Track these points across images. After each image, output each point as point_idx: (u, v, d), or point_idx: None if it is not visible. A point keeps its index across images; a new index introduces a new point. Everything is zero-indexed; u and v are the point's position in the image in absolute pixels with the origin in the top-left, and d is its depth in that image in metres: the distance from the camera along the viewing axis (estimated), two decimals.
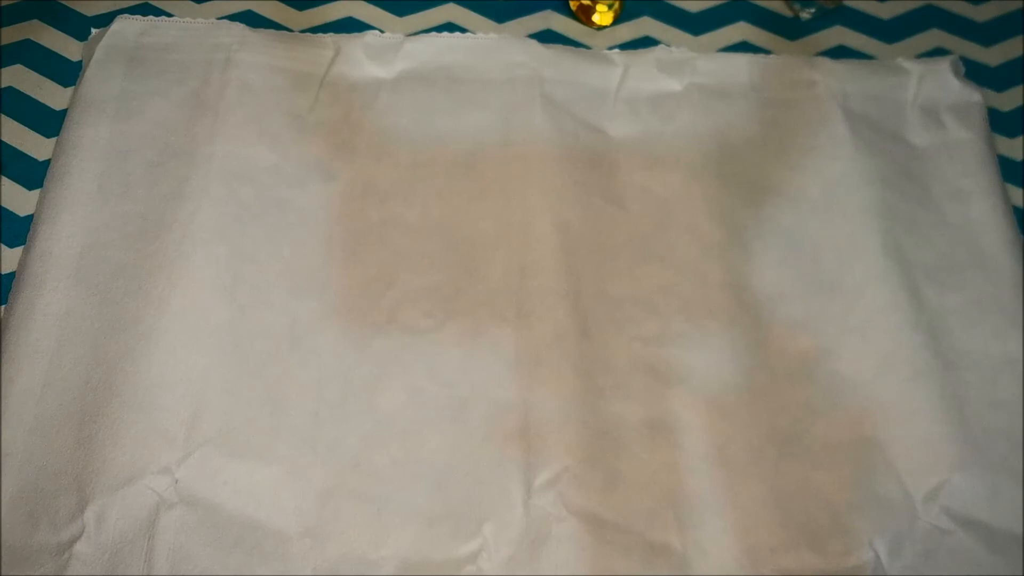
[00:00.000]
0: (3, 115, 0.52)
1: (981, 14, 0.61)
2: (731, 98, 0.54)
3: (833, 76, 0.55)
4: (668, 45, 0.57)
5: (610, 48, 0.57)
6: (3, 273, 0.47)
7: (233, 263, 0.46)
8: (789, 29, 0.59)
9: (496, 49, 0.55)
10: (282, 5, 0.57)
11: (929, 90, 0.56)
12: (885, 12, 0.60)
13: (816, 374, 0.47)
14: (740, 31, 0.59)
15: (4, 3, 0.55)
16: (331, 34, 0.55)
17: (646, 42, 0.58)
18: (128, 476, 0.41)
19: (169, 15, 0.55)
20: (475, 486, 0.43)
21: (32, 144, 0.51)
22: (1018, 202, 0.53)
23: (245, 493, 0.42)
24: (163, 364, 0.43)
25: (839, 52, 0.58)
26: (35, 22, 0.55)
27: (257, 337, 0.45)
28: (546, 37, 0.57)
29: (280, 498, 0.42)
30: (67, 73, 0.53)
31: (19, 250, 0.47)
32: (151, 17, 0.54)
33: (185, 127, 0.50)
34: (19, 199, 0.49)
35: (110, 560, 0.40)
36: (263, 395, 0.44)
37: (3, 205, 0.49)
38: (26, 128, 0.51)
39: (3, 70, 0.53)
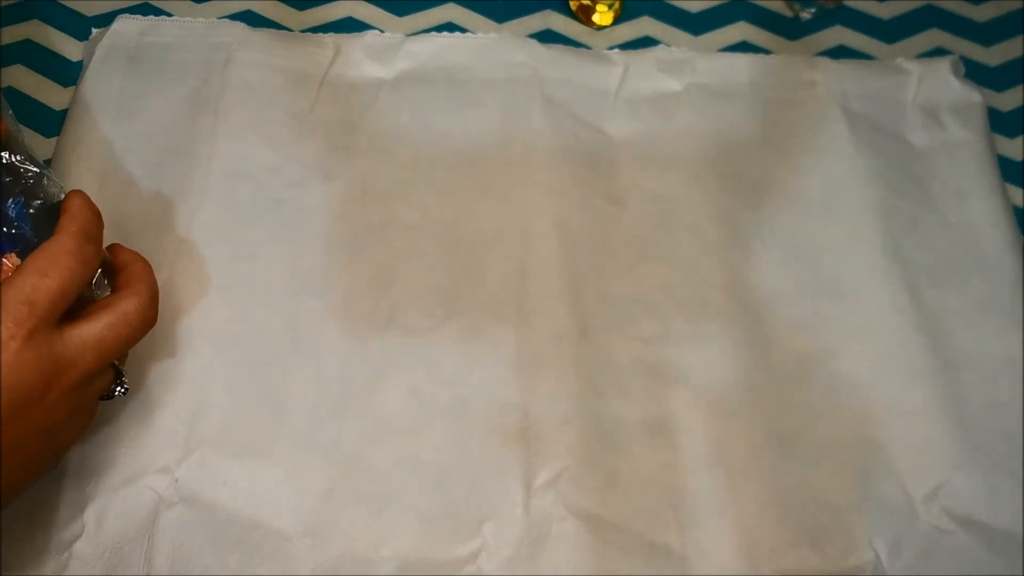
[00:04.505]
0: None
1: (981, 14, 0.61)
2: (731, 98, 0.54)
3: (833, 76, 0.55)
4: (668, 45, 0.57)
5: (610, 48, 0.57)
6: None
7: (233, 263, 0.46)
8: (789, 29, 0.59)
9: (496, 49, 0.55)
10: (282, 5, 0.57)
11: (929, 90, 0.56)
12: (885, 12, 0.60)
13: (816, 374, 0.47)
14: (740, 31, 0.59)
15: (4, 3, 0.55)
16: (331, 34, 0.55)
17: (646, 42, 0.58)
18: (128, 475, 0.41)
19: (169, 15, 0.55)
20: (475, 486, 0.43)
21: (32, 144, 0.51)
22: (1018, 202, 0.53)
23: (245, 493, 0.42)
24: (163, 364, 0.43)
25: (839, 52, 0.58)
26: (35, 22, 0.55)
27: (257, 337, 0.45)
28: (546, 37, 0.57)
29: (280, 498, 0.42)
30: (67, 73, 0.53)
31: None
32: (151, 17, 0.54)
33: (185, 126, 0.50)
34: None
35: (110, 560, 0.40)
36: (263, 395, 0.44)
37: None
38: (26, 128, 0.51)
39: (3, 70, 0.53)
